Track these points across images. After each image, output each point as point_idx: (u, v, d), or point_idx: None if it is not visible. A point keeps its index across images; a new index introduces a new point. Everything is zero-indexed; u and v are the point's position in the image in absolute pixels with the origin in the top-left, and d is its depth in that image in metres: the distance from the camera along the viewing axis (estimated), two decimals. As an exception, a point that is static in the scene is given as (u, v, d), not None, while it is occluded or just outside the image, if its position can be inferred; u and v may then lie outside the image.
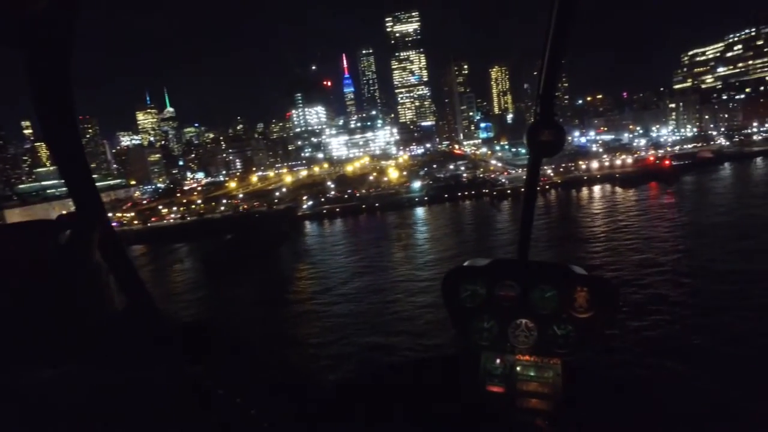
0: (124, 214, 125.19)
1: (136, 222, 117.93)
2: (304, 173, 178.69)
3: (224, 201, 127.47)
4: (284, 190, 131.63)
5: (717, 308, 27.68)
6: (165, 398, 0.91)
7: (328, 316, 36.39)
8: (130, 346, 0.88)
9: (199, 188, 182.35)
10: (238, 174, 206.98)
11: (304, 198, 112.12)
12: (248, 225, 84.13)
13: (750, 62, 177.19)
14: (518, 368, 2.26)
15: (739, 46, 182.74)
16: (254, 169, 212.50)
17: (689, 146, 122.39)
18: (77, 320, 0.79)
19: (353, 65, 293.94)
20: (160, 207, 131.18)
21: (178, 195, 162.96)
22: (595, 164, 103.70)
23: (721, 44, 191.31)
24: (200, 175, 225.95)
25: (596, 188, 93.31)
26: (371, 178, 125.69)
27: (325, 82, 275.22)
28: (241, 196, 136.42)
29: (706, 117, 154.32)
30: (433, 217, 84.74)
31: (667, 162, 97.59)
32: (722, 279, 32.90)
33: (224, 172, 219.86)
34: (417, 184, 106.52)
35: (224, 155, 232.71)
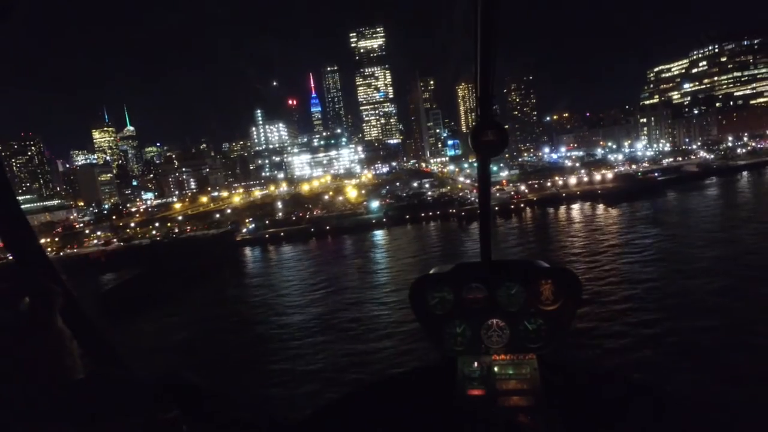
0: (48, 239, 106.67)
1: (51, 249, 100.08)
2: (258, 193, 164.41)
3: (157, 225, 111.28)
4: (229, 211, 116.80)
5: None
6: None
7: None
8: (101, 407, 0.88)
9: (145, 210, 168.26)
10: (189, 195, 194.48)
11: (247, 221, 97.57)
12: (160, 255, 69.08)
13: (715, 78, 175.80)
14: (496, 368, 2.28)
15: (704, 63, 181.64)
16: (209, 189, 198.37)
17: (670, 160, 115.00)
18: (43, 390, 0.80)
19: (318, 83, 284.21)
20: (92, 231, 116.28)
21: (114, 218, 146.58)
22: (573, 180, 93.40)
23: (685, 61, 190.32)
24: (149, 195, 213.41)
25: (576, 206, 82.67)
26: (326, 197, 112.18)
27: (290, 101, 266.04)
28: (180, 218, 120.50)
29: (682, 131, 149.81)
30: (390, 242, 71.72)
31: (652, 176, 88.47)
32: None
33: (177, 192, 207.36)
34: (375, 204, 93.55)
35: (177, 174, 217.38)
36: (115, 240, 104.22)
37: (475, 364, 2.28)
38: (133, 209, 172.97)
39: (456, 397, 2.16)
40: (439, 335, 2.43)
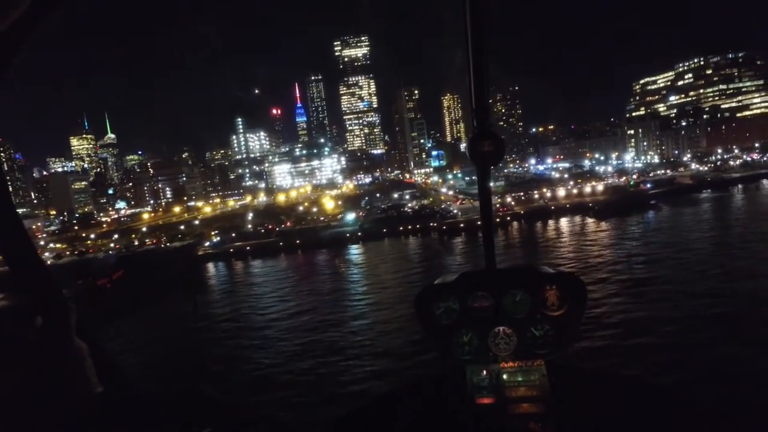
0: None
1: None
2: (235, 204, 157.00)
3: (116, 237, 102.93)
4: (197, 222, 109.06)
5: None
6: None
7: None
8: (124, 424, 0.88)
9: (115, 219, 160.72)
10: (163, 204, 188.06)
11: (213, 233, 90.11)
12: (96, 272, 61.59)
13: (701, 91, 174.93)
14: (504, 376, 2.28)
15: (689, 75, 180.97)
16: (186, 198, 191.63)
17: (662, 172, 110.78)
18: (66, 407, 0.77)
19: (303, 92, 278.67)
20: (56, 241, 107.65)
21: (77, 228, 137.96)
22: (561, 192, 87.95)
23: (671, 73, 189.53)
24: (121, 204, 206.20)
25: (564, 220, 77.09)
26: (301, 209, 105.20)
27: (274, 110, 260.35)
28: (145, 229, 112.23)
29: (671, 143, 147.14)
30: (361, 260, 65.00)
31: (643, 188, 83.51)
32: None
33: (152, 202, 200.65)
34: (352, 216, 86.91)
35: (151, 183, 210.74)
36: (68, 252, 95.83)
37: (484, 372, 2.29)
38: (105, 219, 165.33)
39: (466, 406, 2.16)
40: (447, 345, 2.42)
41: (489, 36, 1.46)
